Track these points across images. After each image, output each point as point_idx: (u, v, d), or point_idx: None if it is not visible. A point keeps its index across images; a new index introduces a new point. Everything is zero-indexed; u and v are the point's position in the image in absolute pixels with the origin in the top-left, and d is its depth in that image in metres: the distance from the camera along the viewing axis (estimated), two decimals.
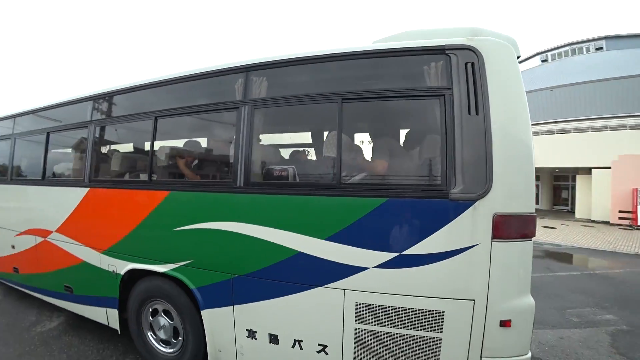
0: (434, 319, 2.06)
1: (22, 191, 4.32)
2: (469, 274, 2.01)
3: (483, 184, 1.97)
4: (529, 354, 2.08)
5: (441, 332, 2.06)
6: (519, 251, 2.03)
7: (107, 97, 3.49)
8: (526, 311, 2.03)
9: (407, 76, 2.39)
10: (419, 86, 2.28)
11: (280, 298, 2.41)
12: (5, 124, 4.68)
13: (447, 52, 2.13)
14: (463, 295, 2.02)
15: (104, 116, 3.53)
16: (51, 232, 3.72)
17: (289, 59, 2.53)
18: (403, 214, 2.15)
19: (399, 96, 2.31)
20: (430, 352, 2.10)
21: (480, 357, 2.02)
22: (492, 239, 1.96)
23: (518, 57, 2.21)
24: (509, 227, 1.98)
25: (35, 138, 4.20)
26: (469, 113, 2.03)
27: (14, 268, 4.38)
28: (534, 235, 2.07)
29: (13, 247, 4.28)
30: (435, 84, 2.16)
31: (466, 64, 2.07)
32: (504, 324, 1.98)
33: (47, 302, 4.08)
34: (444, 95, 2.10)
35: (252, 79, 2.59)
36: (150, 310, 3.11)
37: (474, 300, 2.00)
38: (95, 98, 3.51)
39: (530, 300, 2.05)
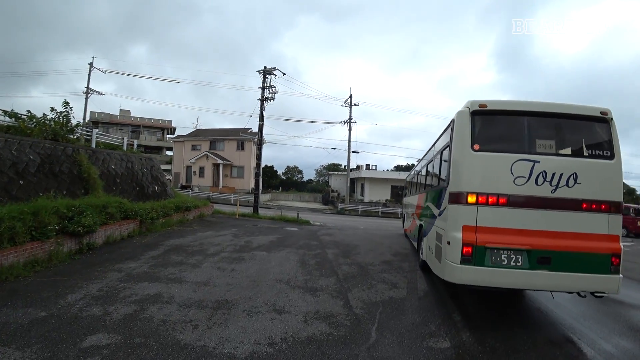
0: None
1: None
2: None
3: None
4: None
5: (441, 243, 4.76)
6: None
7: None
8: (456, 237, 4.26)
9: None
10: None
11: None
12: None
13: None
14: (442, 226, 4.83)
15: None
16: None
17: None
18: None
19: None
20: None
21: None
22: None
23: None
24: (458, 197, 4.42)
25: None
26: None
27: None
28: (464, 203, 4.34)
29: None
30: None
31: None
32: (465, 249, 4.18)
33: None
34: None
35: None
36: None
37: (444, 229, 4.68)
38: None
39: (459, 233, 4.27)
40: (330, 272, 6.07)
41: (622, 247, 4.16)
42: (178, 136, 43.21)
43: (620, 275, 4.12)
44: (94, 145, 11.43)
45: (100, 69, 29.21)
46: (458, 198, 4.39)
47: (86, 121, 32.26)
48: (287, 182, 59.44)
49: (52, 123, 9.37)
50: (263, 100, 18.46)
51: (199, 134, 39.86)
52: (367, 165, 38.00)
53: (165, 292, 4.52)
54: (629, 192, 55.08)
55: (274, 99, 18.38)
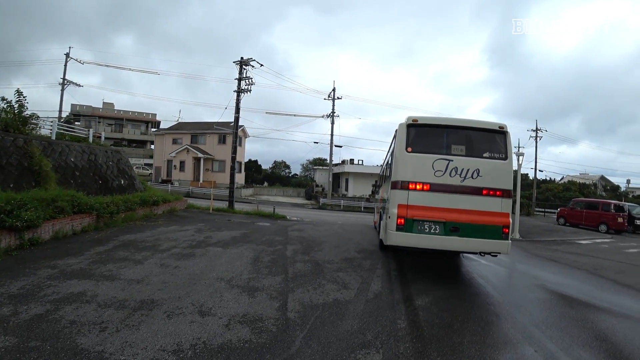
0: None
1: None
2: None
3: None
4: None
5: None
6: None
7: None
8: (394, 212, 5.86)
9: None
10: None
11: None
12: None
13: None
14: (388, 206, 6.42)
15: None
16: None
17: None
18: None
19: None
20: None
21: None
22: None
23: None
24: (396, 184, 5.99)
25: None
26: None
27: None
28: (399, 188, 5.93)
29: None
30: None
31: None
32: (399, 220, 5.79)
33: None
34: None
35: None
36: None
37: (388, 208, 6.22)
38: None
39: (395, 209, 5.84)
40: (280, 270, 5.87)
41: (511, 221, 5.89)
42: (159, 129, 42.34)
43: (509, 241, 5.84)
44: (54, 137, 10.96)
45: (79, 60, 28.18)
46: (396, 185, 6.07)
47: (64, 113, 31.28)
48: (272, 176, 58.78)
49: (3, 113, 8.89)
50: (239, 92, 18.07)
51: (180, 127, 39.09)
52: (351, 160, 37.77)
53: (91, 290, 4.25)
54: (613, 189, 56.67)
55: (250, 90, 18.01)
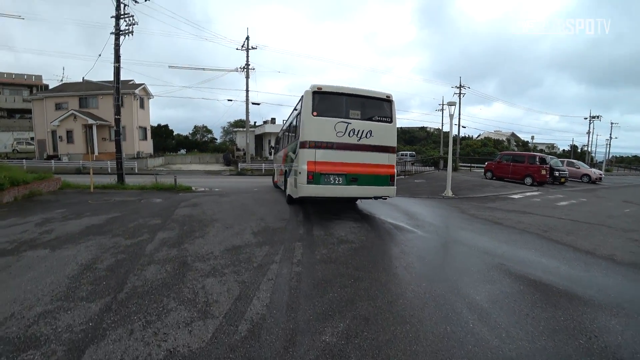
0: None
1: None
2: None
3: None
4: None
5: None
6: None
7: None
8: (304, 168, 6.87)
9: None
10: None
11: None
12: None
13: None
14: (296, 164, 7.41)
15: None
16: None
17: None
18: None
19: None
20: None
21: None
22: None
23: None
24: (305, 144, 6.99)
25: None
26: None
27: None
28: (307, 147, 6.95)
29: None
30: None
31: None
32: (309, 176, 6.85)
33: None
34: None
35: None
36: None
37: (297, 165, 7.27)
38: None
39: (305, 166, 6.87)
40: (114, 284, 3.76)
41: (396, 171, 7.47)
42: (36, 92, 34.52)
43: (395, 187, 7.44)
44: None
45: None
46: (304, 145, 6.94)
47: None
48: (188, 143, 53.28)
49: None
50: (119, 34, 14.18)
51: (64, 88, 32.15)
52: (273, 119, 35.11)
53: None
54: (523, 144, 63.59)
55: (132, 32, 14.20)
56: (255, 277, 4.09)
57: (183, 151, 47.94)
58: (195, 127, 61.70)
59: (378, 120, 7.24)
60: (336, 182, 6.93)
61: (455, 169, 28.81)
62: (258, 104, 28.82)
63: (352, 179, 6.97)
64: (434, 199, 13.20)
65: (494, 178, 20.97)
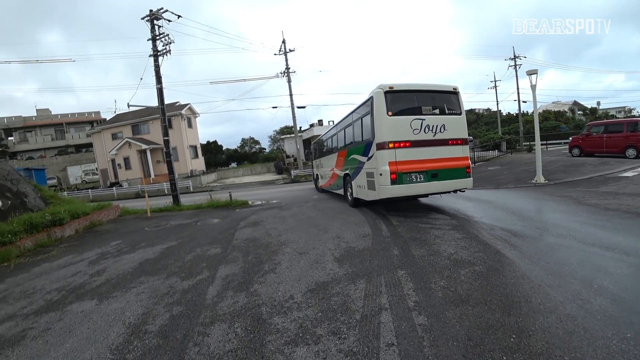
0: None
1: None
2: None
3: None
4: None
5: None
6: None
7: None
8: (386, 169, 6.81)
9: None
10: None
11: None
12: None
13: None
14: (373, 166, 7.31)
15: None
16: None
17: None
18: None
19: None
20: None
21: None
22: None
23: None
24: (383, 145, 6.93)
25: None
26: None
27: None
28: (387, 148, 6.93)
29: None
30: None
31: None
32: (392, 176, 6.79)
33: None
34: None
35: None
36: None
37: (375, 167, 7.14)
38: None
39: (387, 167, 6.84)
40: None
41: (470, 163, 7.54)
42: (94, 126, 36.87)
43: (471, 178, 7.55)
44: None
45: None
46: (383, 146, 7.00)
47: None
48: (237, 155, 54.12)
49: None
50: (157, 55, 13.89)
51: (118, 119, 33.88)
52: (320, 122, 33.94)
53: None
54: (592, 111, 56.30)
55: (169, 51, 13.85)
56: (367, 342, 2.68)
57: (234, 164, 48.73)
58: (242, 139, 62.87)
59: (449, 114, 7.36)
60: (418, 179, 6.98)
61: (530, 149, 25.51)
62: (303, 107, 27.88)
63: (433, 175, 7.04)
64: (526, 188, 10.99)
65: (582, 154, 17.60)
